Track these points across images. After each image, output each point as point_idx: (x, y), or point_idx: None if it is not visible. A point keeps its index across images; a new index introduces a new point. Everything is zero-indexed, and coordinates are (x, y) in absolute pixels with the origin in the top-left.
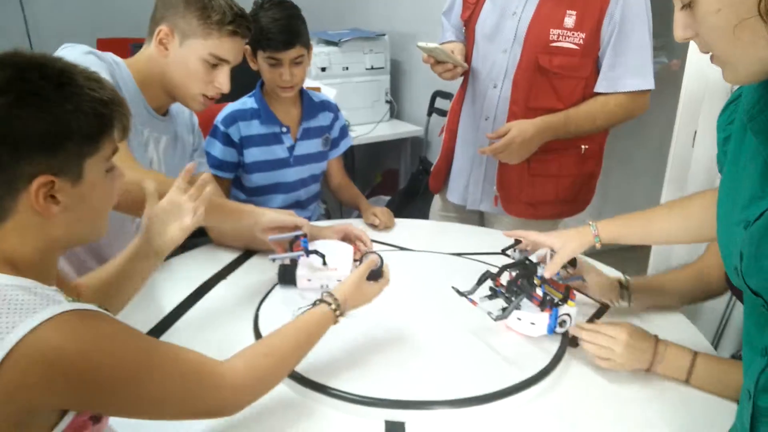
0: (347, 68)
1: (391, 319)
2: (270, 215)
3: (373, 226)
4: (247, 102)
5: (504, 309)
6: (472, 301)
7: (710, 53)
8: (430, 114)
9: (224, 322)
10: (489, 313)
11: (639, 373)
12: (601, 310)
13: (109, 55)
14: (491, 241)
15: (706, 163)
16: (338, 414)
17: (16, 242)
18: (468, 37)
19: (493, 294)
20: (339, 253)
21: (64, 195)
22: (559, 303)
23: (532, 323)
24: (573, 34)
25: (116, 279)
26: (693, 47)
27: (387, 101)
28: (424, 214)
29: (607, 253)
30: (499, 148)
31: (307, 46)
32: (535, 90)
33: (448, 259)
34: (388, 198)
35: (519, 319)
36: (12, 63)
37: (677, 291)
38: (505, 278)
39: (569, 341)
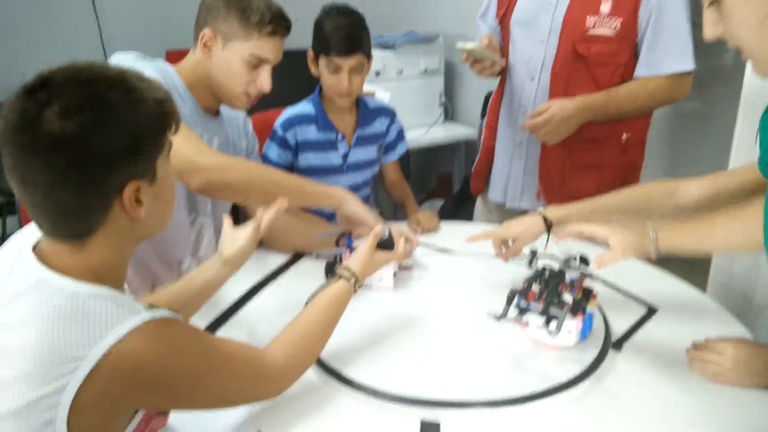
0: (402, 71)
1: (428, 318)
2: (352, 207)
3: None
4: (305, 107)
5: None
6: (518, 322)
7: (739, 48)
8: (483, 116)
9: (275, 320)
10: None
11: (688, 382)
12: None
13: (159, 61)
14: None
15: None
16: (373, 411)
17: (105, 251)
18: (503, 34)
19: (523, 311)
20: None
21: (146, 196)
22: (580, 305)
23: (569, 331)
24: (610, 20)
25: (192, 292)
26: None
27: (441, 104)
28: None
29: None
30: (539, 124)
31: (368, 55)
32: (574, 80)
33: (486, 261)
34: (441, 202)
35: (551, 331)
36: (83, 81)
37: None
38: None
39: (612, 345)
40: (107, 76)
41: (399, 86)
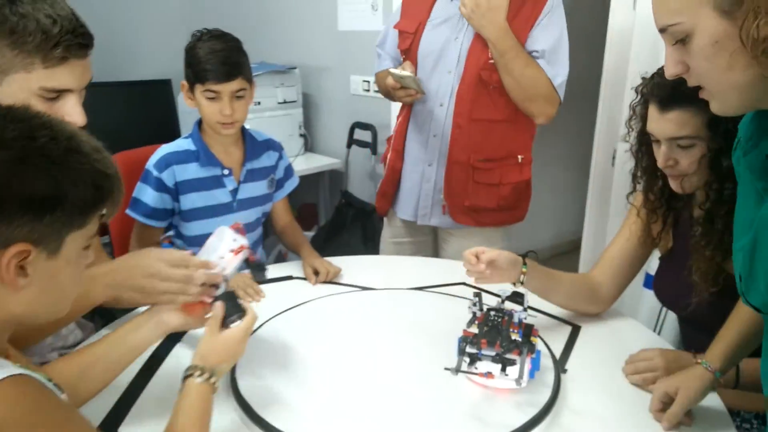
0: (259, 103)
1: (368, 371)
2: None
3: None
4: (182, 144)
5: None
6: (481, 374)
7: (700, 86)
8: (349, 146)
9: None
10: (451, 369)
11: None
12: (574, 333)
13: None
14: (447, 271)
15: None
16: None
17: None
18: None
19: (474, 358)
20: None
21: (35, 268)
22: (531, 344)
23: (519, 374)
24: None
25: (122, 351)
26: (607, 66)
27: (301, 135)
28: (352, 246)
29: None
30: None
31: (250, 80)
32: (478, 103)
33: (411, 295)
34: (311, 233)
35: (507, 374)
36: (23, 118)
37: (565, 286)
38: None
39: (560, 368)
40: (56, 127)
41: (257, 118)
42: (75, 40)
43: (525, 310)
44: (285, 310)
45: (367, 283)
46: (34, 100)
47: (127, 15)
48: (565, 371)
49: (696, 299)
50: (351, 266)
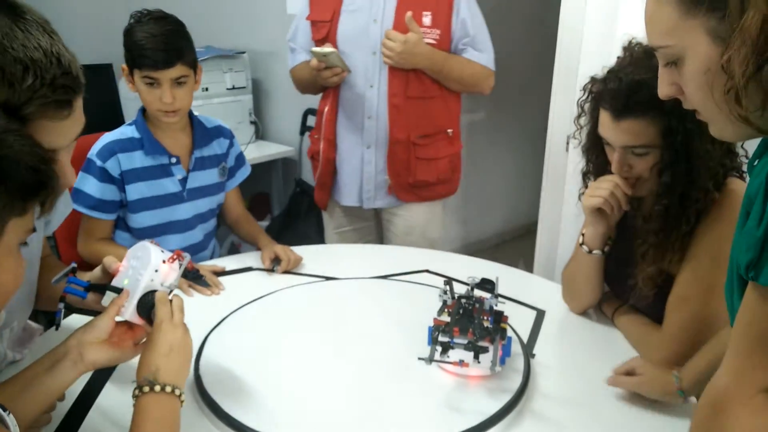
0: (207, 89)
1: (342, 363)
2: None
3: (271, 270)
4: (126, 131)
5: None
6: (449, 362)
7: (696, 110)
8: (302, 133)
9: None
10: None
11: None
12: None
13: None
14: (409, 259)
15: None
16: None
17: None
18: None
19: (447, 347)
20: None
21: None
22: (503, 330)
23: (491, 361)
24: (431, 31)
25: (39, 393)
26: (560, 51)
27: (252, 122)
28: (308, 236)
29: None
30: (400, 38)
31: (193, 66)
32: (411, 81)
33: (376, 284)
34: (265, 223)
35: (479, 362)
36: None
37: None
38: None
39: (529, 353)
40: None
41: (205, 104)
42: (52, 96)
43: (495, 297)
44: (247, 303)
45: (331, 273)
46: None
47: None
48: (533, 356)
49: (634, 299)
50: (311, 255)
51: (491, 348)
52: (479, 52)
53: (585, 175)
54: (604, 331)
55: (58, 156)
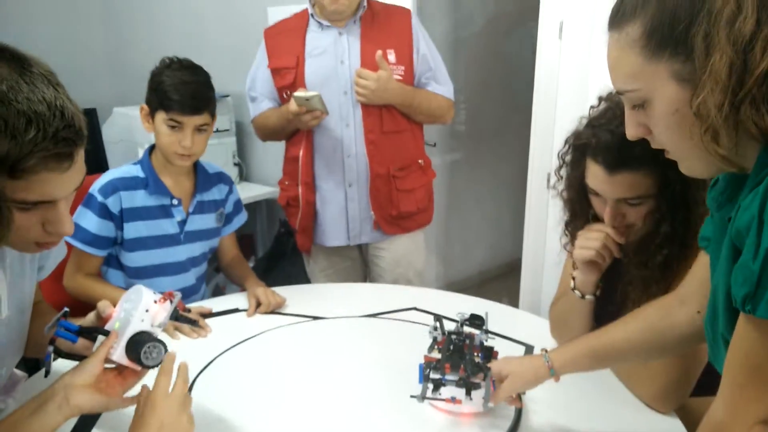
0: None
1: (327, 394)
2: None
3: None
4: (131, 170)
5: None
6: (441, 400)
7: (666, 149)
8: None
9: None
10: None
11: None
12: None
13: None
14: (396, 296)
15: None
16: None
17: None
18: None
19: (438, 384)
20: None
21: None
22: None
23: (483, 398)
24: (397, 67)
25: None
26: (538, 89)
27: (235, 163)
28: (293, 276)
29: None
30: (373, 77)
31: (213, 115)
32: (384, 117)
33: (364, 322)
34: (250, 265)
35: (471, 399)
36: None
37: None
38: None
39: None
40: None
41: None
42: (54, 149)
43: (485, 332)
44: (234, 345)
45: (318, 313)
46: (7, 209)
47: (50, 44)
48: (524, 392)
49: None
50: (298, 295)
51: (483, 384)
52: (441, 84)
53: (567, 224)
54: None
55: (58, 205)
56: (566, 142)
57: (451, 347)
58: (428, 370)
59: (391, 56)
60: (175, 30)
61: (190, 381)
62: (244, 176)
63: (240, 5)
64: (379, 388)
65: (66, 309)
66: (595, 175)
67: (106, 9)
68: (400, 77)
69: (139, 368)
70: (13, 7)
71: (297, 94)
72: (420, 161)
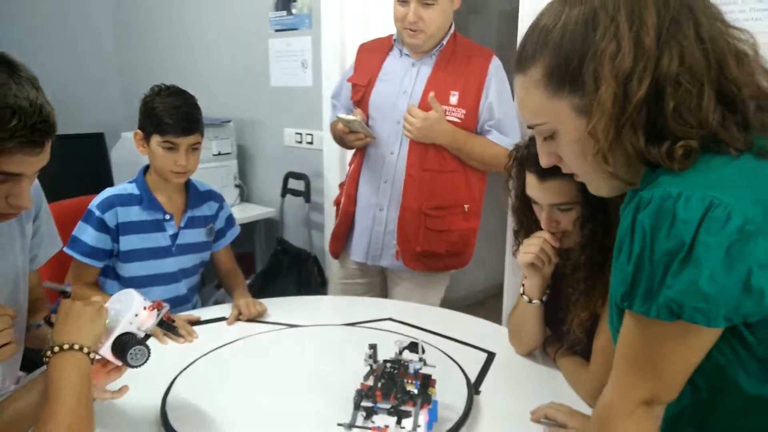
0: None
1: (298, 390)
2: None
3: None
4: (127, 188)
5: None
6: (375, 429)
7: (575, 173)
8: (284, 195)
9: None
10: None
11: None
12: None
13: None
14: (377, 308)
15: None
16: None
17: None
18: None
19: (371, 412)
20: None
21: None
22: (427, 395)
23: (419, 425)
24: (456, 110)
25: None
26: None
27: (236, 185)
28: (287, 291)
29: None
30: (420, 115)
31: (203, 134)
32: (429, 154)
33: (335, 330)
34: (247, 281)
35: (403, 427)
36: None
37: None
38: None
39: (474, 390)
40: None
41: None
42: (30, 137)
43: (420, 360)
44: (214, 349)
45: (295, 321)
46: None
47: (61, 70)
48: (478, 392)
49: (568, 343)
50: (280, 306)
51: (413, 412)
52: (504, 134)
53: (516, 233)
54: (546, 371)
55: (22, 181)
56: (509, 156)
57: (385, 375)
58: (361, 397)
59: (454, 98)
60: (181, 58)
61: (171, 379)
62: (244, 197)
63: (244, 36)
64: (336, 390)
65: (69, 289)
66: (531, 183)
67: (117, 39)
68: (458, 120)
69: (120, 364)
70: (27, 33)
71: (340, 115)
72: (465, 206)
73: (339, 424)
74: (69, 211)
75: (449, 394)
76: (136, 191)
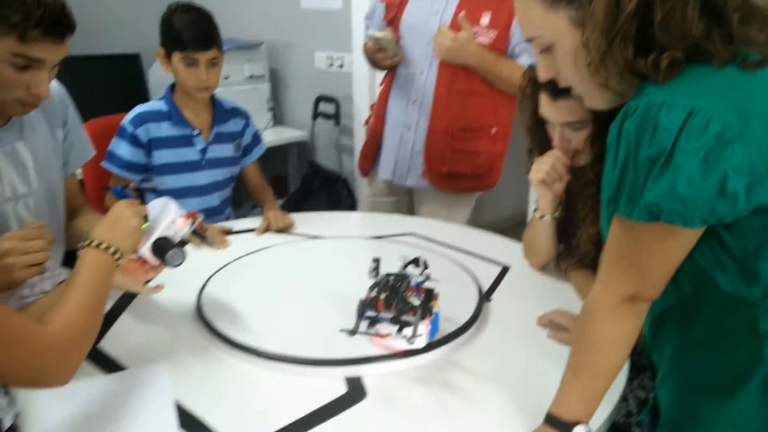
0: (227, 77)
1: (319, 292)
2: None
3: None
4: (156, 104)
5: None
6: (375, 335)
7: (572, 87)
8: (315, 118)
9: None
10: (346, 330)
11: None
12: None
13: None
14: (401, 224)
15: None
16: (302, 379)
17: None
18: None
19: (374, 321)
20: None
21: None
22: (428, 307)
23: (419, 335)
24: (488, 31)
25: None
26: None
27: (269, 109)
28: (318, 210)
29: None
30: (449, 35)
31: (221, 50)
32: (458, 76)
33: (359, 242)
34: (280, 201)
35: (407, 337)
36: None
37: None
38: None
39: (485, 298)
40: None
41: (226, 92)
42: (53, 28)
43: (421, 275)
44: (242, 256)
45: (321, 233)
46: (3, 65)
47: None
48: (489, 300)
49: (578, 256)
50: (308, 220)
51: (413, 322)
52: (534, 58)
53: (530, 152)
54: (557, 283)
55: (43, 70)
56: (523, 76)
57: (387, 287)
58: (364, 307)
59: (485, 19)
60: None
61: (206, 279)
62: (277, 120)
63: None
64: (357, 300)
65: (137, 184)
66: (543, 103)
67: None
68: (488, 42)
69: (157, 264)
70: None
71: (369, 32)
72: (493, 129)
73: (342, 330)
74: (107, 128)
75: (461, 302)
76: (165, 108)
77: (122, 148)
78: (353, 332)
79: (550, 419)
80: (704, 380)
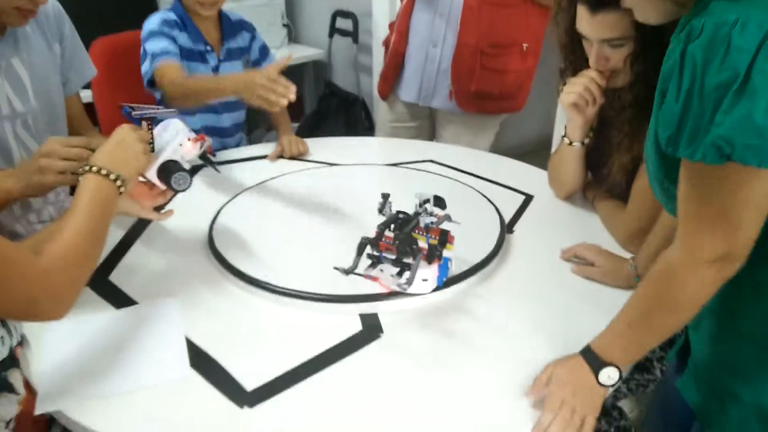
0: None
1: (332, 222)
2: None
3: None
4: (167, 15)
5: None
6: (367, 276)
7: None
8: (331, 35)
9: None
10: (340, 269)
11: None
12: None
13: None
14: (421, 151)
15: None
16: (316, 315)
17: None
18: None
19: (376, 261)
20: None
21: None
22: (440, 251)
23: (424, 279)
24: None
25: None
26: None
27: (284, 25)
28: (335, 133)
29: None
30: None
31: None
32: None
33: (376, 170)
34: (296, 124)
35: (402, 283)
36: None
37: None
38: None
39: (508, 229)
40: None
41: (239, 8)
42: None
43: (430, 214)
44: (254, 185)
45: (337, 161)
46: None
47: None
48: (512, 231)
49: (607, 186)
50: (323, 146)
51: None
52: None
53: (562, 72)
54: (584, 214)
55: None
56: None
57: (394, 226)
58: (366, 245)
59: None
60: None
61: (217, 210)
62: (292, 38)
63: None
64: (366, 232)
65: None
66: (581, 16)
67: None
68: None
69: (164, 188)
70: None
71: None
72: (524, 45)
73: (335, 268)
74: (117, 43)
75: (482, 234)
76: (178, 19)
77: (157, 42)
78: (348, 271)
79: (587, 352)
80: (748, 326)
